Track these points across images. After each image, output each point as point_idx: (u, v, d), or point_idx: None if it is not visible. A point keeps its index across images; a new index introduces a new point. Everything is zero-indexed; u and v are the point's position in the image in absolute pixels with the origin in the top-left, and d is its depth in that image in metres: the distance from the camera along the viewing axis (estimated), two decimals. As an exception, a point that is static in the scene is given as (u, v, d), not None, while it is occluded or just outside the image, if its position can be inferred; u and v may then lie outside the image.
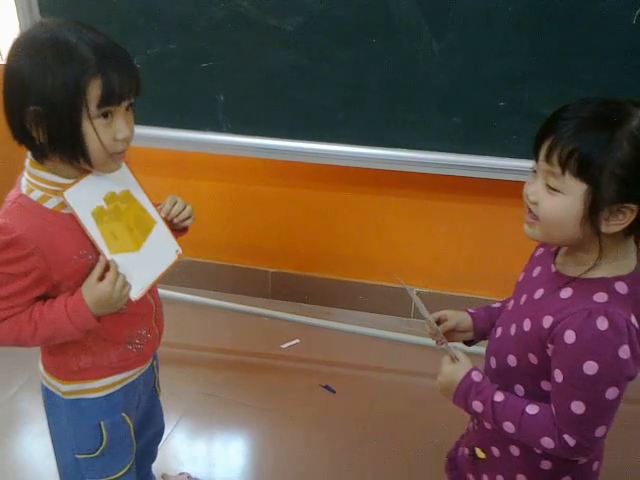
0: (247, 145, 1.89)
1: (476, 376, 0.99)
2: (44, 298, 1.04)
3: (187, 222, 1.18)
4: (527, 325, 0.95)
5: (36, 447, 1.80)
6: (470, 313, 1.17)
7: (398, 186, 2.15)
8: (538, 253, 1.06)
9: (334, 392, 2.03)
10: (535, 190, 0.90)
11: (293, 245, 2.40)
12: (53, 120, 0.93)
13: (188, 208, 1.17)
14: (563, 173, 0.85)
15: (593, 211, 0.85)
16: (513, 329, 1.00)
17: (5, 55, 0.95)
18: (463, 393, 0.99)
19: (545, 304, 0.94)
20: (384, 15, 1.63)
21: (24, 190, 1.00)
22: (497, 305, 1.18)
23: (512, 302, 1.06)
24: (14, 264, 0.97)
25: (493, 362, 1.05)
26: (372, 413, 1.95)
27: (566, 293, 0.91)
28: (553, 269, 0.97)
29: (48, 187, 1.00)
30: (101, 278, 1.01)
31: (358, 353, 2.20)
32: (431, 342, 1.14)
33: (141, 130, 1.85)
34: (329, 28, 1.69)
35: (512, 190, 1.97)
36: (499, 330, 1.05)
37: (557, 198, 0.87)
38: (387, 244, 2.29)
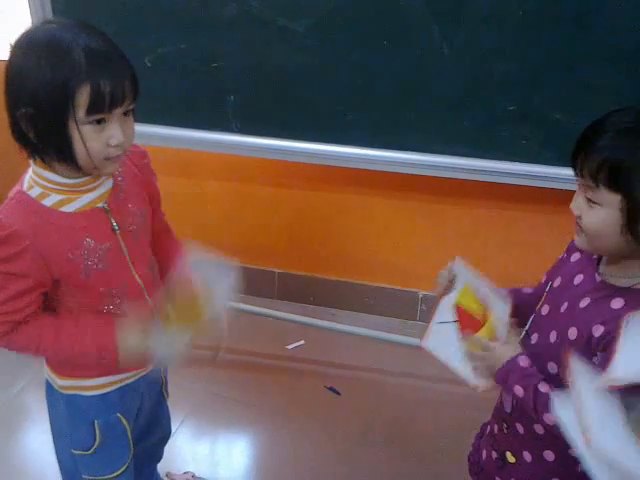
0: (256, 145, 1.89)
1: (523, 361, 0.98)
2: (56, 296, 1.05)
3: None
4: (573, 334, 0.94)
5: (40, 444, 1.80)
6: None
7: (406, 188, 2.14)
8: (574, 259, 1.05)
9: (339, 394, 2.03)
10: (577, 204, 0.92)
11: (300, 246, 2.40)
12: (42, 123, 0.93)
13: None
14: (597, 186, 0.86)
15: (632, 220, 0.85)
16: (553, 336, 0.98)
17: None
18: (504, 373, 0.98)
19: (594, 313, 0.93)
20: (395, 17, 1.63)
21: (25, 186, 1.01)
22: (529, 291, 1.15)
23: (547, 307, 1.04)
24: (12, 262, 0.97)
25: None
26: (376, 415, 1.95)
27: (617, 303, 0.91)
28: (598, 278, 0.96)
29: (48, 185, 1.00)
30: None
31: (363, 355, 2.20)
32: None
33: (150, 129, 1.89)
34: (339, 29, 1.69)
35: (521, 194, 1.98)
36: (535, 336, 1.04)
37: (596, 211, 0.88)
38: (394, 246, 2.29)
